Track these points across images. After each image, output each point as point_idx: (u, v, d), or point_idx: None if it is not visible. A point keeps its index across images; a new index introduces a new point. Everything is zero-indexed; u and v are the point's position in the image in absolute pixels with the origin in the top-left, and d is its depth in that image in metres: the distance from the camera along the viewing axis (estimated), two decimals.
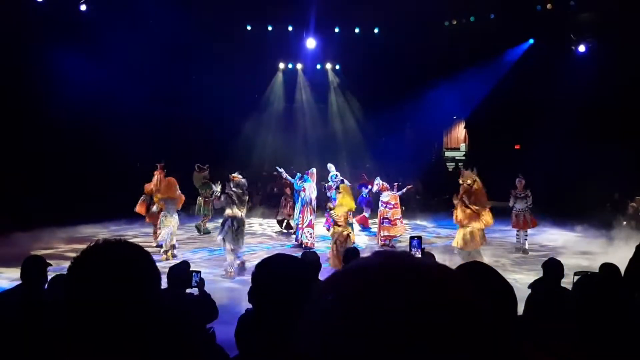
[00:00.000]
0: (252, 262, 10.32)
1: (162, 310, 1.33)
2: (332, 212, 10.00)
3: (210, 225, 13.07)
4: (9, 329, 1.88)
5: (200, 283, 4.78)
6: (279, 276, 1.89)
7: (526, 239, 11.54)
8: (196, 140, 17.60)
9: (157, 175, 10.65)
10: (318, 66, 20.52)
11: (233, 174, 9.33)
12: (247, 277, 8.64)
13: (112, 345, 1.15)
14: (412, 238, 5.26)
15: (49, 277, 4.14)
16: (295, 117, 21.39)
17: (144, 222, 11.79)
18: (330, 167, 12.69)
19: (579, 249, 11.57)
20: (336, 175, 12.22)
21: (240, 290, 7.34)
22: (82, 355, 1.16)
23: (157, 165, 10.76)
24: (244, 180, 9.26)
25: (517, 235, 11.84)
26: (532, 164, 13.85)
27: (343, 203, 10.06)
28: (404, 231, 12.22)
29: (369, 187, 13.30)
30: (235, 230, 9.03)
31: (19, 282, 4.10)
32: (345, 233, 9.81)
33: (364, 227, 14.23)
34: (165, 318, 1.20)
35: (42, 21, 14.12)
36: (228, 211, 9.04)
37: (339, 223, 9.87)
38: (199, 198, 13.26)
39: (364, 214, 14.24)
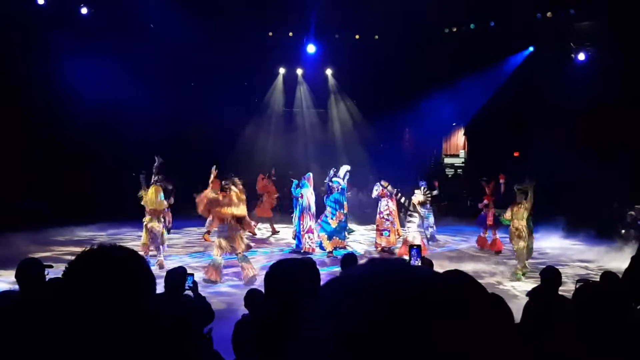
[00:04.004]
0: None
1: (157, 314, 1.33)
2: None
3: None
4: (3, 333, 1.87)
5: (194, 286, 4.80)
6: (293, 280, 1.91)
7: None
8: (196, 144, 17.60)
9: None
10: (318, 72, 20.54)
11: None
12: (244, 282, 8.65)
13: (107, 349, 1.14)
14: (411, 247, 5.25)
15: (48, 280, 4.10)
16: (295, 122, 21.41)
17: (142, 225, 11.70)
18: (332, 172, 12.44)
19: (577, 258, 11.57)
20: (338, 180, 12.06)
21: (237, 295, 7.32)
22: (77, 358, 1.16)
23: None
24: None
25: None
26: (531, 171, 13.82)
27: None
28: (396, 242, 12.11)
29: (485, 201, 12.33)
30: None
31: (15, 284, 4.07)
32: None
33: (483, 248, 12.48)
34: (162, 322, 1.20)
35: (43, 23, 14.13)
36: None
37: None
38: None
39: (481, 234, 12.70)
